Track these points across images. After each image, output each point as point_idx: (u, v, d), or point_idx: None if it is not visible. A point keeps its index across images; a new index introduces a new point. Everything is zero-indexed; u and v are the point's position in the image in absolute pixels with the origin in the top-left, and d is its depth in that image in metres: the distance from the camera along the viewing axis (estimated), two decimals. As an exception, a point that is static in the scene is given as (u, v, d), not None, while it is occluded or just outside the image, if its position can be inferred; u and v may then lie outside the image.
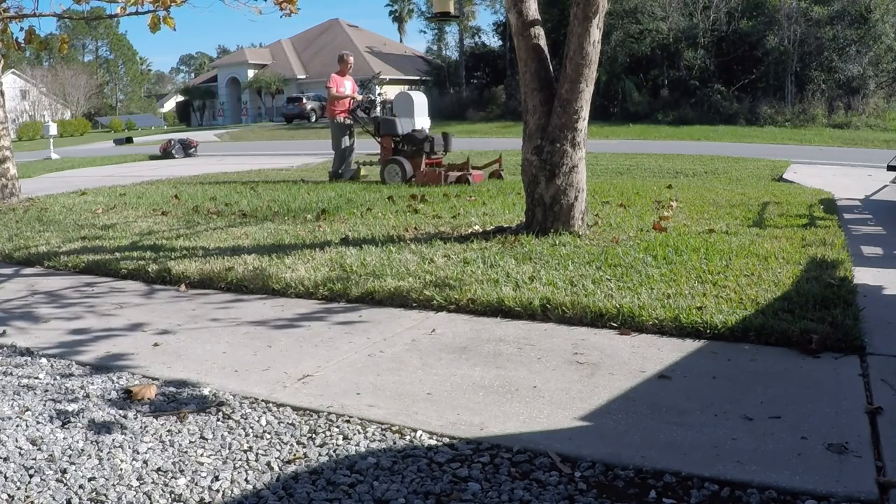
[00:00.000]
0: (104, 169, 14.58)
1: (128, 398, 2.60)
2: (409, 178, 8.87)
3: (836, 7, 26.24)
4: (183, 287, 4.29)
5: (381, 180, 9.13)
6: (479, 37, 40.43)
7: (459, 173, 8.76)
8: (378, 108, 11.26)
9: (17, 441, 2.27)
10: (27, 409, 2.52)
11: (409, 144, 9.11)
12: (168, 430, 2.33)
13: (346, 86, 10.10)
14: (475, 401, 2.48)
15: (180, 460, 2.12)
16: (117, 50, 70.67)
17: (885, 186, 8.33)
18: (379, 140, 9.48)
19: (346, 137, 9.94)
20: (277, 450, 2.18)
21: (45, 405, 2.55)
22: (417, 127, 9.72)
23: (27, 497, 1.93)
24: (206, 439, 2.26)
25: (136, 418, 2.43)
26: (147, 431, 2.33)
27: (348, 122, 9.91)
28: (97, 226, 6.35)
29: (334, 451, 2.15)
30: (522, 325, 3.33)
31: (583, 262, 4.17)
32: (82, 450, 2.20)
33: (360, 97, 10.15)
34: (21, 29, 7.78)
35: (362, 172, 10.18)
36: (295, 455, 2.14)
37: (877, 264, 4.33)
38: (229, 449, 2.19)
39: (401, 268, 4.18)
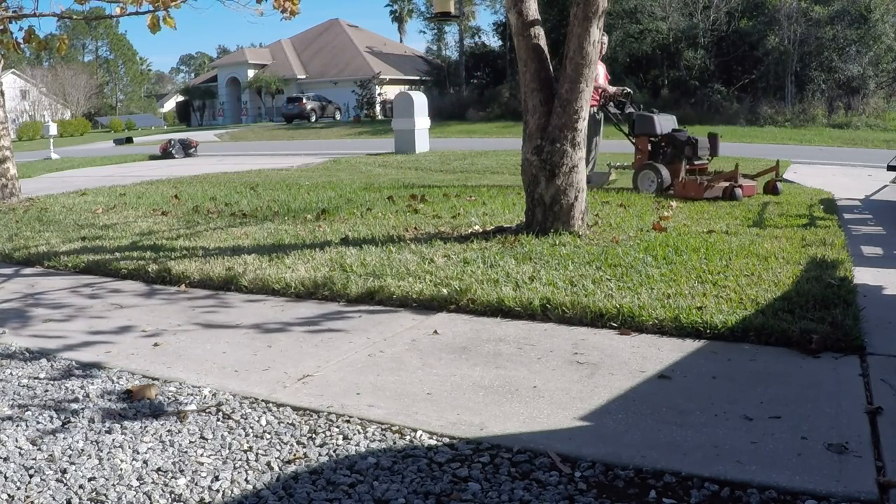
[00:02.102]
0: (104, 169, 14.58)
1: (128, 398, 2.60)
2: (668, 188, 7.43)
3: (836, 7, 26.21)
4: (183, 287, 4.29)
5: (634, 188, 7.71)
6: (479, 37, 40.40)
7: (725, 184, 7.04)
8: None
9: (17, 441, 2.27)
10: (27, 409, 2.52)
11: (670, 147, 7.65)
12: (168, 430, 2.33)
13: (600, 73, 8.45)
14: (475, 401, 2.48)
15: (180, 460, 2.12)
16: (117, 50, 70.67)
17: (885, 186, 8.32)
18: (633, 141, 8.09)
19: (597, 136, 8.42)
20: (277, 450, 2.18)
21: (45, 405, 2.56)
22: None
23: (27, 497, 1.93)
24: (206, 439, 2.26)
25: (136, 418, 2.43)
26: (147, 431, 2.33)
27: (599, 116, 8.38)
28: (97, 226, 6.35)
29: (334, 451, 2.15)
30: (522, 325, 3.33)
31: (583, 262, 4.17)
32: (82, 450, 2.20)
33: (612, 89, 8.52)
34: (20, 29, 7.77)
35: (613, 177, 8.60)
36: (295, 455, 2.14)
37: (877, 264, 4.32)
38: (229, 449, 2.19)
39: (401, 268, 4.18)
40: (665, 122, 7.93)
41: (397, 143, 15.85)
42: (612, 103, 8.44)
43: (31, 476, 2.04)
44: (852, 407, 2.33)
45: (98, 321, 3.64)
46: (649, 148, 7.86)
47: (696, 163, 7.54)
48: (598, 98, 8.30)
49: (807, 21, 26.39)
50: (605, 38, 8.69)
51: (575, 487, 1.91)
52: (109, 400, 2.60)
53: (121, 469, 2.07)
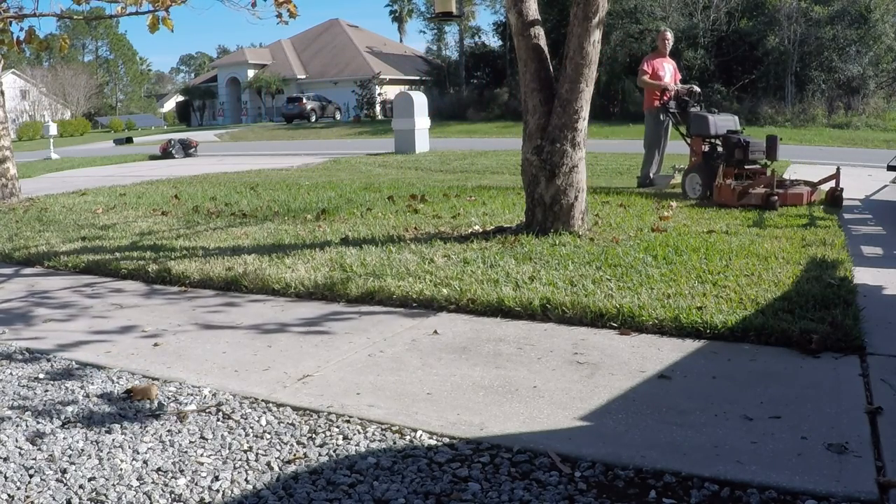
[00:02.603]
0: (104, 169, 14.58)
1: (128, 398, 2.60)
2: (711, 193, 6.83)
3: (836, 7, 26.20)
4: (183, 287, 4.29)
5: (682, 192, 7.31)
6: (479, 37, 40.38)
7: (763, 191, 6.33)
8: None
9: (17, 441, 2.27)
10: (27, 409, 2.52)
11: (724, 149, 7.06)
12: (168, 430, 2.33)
13: (667, 70, 8.21)
14: (475, 401, 2.48)
15: (180, 460, 2.12)
16: (117, 50, 70.66)
17: (885, 186, 8.31)
18: (689, 142, 7.63)
19: (663, 139, 8.24)
20: (277, 450, 2.18)
21: (45, 405, 2.56)
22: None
23: (27, 497, 1.93)
24: (206, 439, 2.26)
25: (136, 418, 2.43)
26: (147, 431, 2.33)
27: (662, 117, 8.11)
28: (97, 226, 6.35)
29: (334, 451, 2.15)
30: (522, 325, 3.33)
31: (583, 262, 4.17)
32: (82, 450, 2.20)
33: (676, 87, 8.10)
34: (21, 29, 7.77)
35: (676, 179, 8.10)
36: (295, 455, 2.14)
37: (877, 264, 4.32)
38: (229, 449, 2.19)
39: (401, 268, 4.18)
40: (722, 123, 7.25)
41: (397, 143, 15.84)
42: (673, 102, 8.02)
43: (31, 476, 2.04)
44: (852, 407, 2.33)
45: (98, 321, 3.64)
46: (704, 150, 7.31)
47: (748, 167, 6.85)
48: (660, 98, 8.03)
49: (807, 21, 26.39)
50: (670, 34, 8.47)
51: (575, 487, 1.91)
52: (109, 400, 2.60)
53: (121, 469, 2.07)
